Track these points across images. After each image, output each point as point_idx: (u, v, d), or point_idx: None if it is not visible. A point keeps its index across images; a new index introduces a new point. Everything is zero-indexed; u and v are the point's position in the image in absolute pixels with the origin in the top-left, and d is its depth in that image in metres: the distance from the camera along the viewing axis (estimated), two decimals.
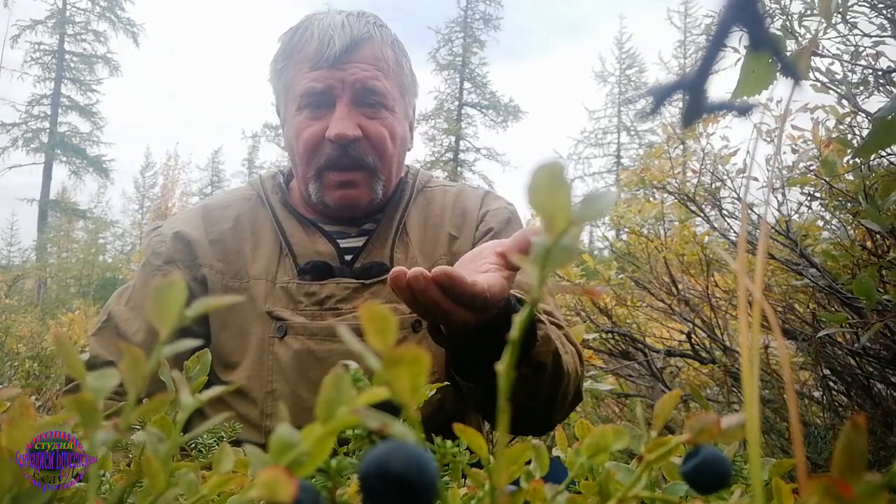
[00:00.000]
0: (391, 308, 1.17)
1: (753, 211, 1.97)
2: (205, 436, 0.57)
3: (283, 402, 1.04)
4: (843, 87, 1.26)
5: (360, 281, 1.11)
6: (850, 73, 1.27)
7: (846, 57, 1.25)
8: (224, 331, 1.12)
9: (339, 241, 1.16)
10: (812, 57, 1.12)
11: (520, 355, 0.85)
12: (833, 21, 1.19)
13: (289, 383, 1.05)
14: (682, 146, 2.33)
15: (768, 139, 1.78)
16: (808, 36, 1.22)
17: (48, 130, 24.33)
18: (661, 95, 0.25)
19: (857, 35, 1.25)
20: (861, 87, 1.27)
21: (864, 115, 1.30)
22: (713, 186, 2.14)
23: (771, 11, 1.23)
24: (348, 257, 1.15)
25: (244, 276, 1.14)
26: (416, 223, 1.20)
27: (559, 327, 1.08)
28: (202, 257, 1.15)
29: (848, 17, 1.22)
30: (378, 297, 1.10)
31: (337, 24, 1.10)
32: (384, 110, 1.12)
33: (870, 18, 1.24)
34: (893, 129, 0.67)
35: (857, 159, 1.25)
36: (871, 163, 1.31)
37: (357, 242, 1.17)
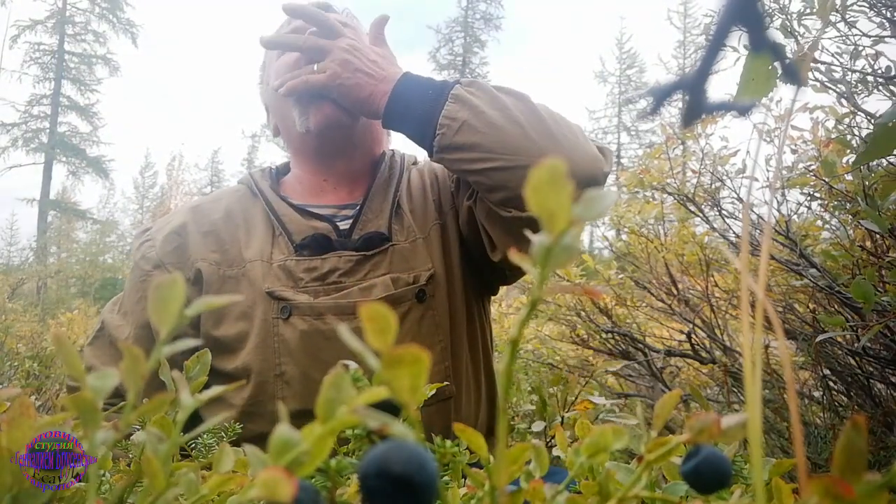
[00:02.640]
0: (394, 278, 1.13)
1: (754, 211, 1.97)
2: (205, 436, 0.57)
3: (294, 384, 1.02)
4: (843, 87, 1.26)
5: (362, 252, 1.09)
6: (849, 73, 1.27)
7: (845, 56, 1.25)
8: (222, 323, 1.08)
9: (334, 220, 1.15)
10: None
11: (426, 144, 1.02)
12: (832, 20, 1.19)
13: (299, 366, 1.02)
14: (681, 146, 2.33)
15: (768, 139, 1.78)
16: (808, 35, 1.22)
17: (48, 130, 24.33)
18: (660, 95, 0.25)
19: (856, 35, 1.25)
20: (860, 87, 1.27)
21: (863, 114, 1.30)
22: (713, 187, 2.14)
23: (770, 11, 1.23)
24: (344, 228, 1.14)
25: (240, 262, 1.11)
26: (408, 198, 1.21)
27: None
28: (194, 254, 1.11)
29: (847, 16, 1.22)
30: (380, 269, 1.10)
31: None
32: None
33: (869, 17, 1.24)
34: (895, 136, 0.67)
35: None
36: (870, 163, 1.30)
37: (350, 223, 1.15)
